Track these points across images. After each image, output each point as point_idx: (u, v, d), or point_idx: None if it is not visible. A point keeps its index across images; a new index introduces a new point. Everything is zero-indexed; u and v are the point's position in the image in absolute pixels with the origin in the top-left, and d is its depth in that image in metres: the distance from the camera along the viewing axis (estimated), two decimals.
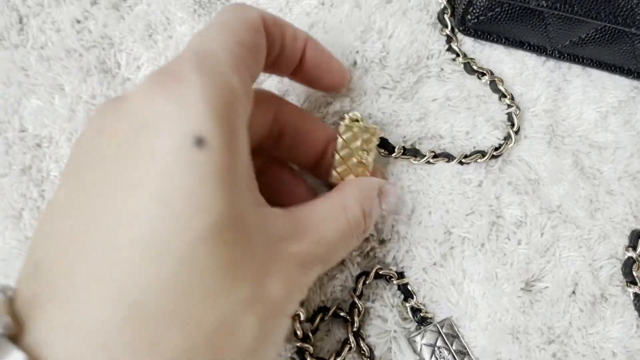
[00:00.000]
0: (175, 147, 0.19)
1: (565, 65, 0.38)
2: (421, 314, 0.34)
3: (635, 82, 0.38)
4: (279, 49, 0.28)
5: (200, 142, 0.19)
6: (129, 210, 0.19)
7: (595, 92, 0.37)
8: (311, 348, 0.32)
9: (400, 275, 0.34)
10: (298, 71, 0.30)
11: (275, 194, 0.31)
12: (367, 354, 0.32)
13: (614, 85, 0.38)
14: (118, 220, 0.19)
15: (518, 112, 0.36)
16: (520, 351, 0.33)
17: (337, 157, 0.31)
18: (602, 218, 0.35)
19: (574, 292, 0.34)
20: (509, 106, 0.36)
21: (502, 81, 0.37)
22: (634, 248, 0.34)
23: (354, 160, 0.31)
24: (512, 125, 0.36)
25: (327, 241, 0.25)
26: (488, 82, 0.37)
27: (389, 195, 0.30)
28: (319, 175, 0.33)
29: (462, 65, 0.37)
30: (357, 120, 0.31)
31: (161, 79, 0.20)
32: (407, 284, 0.34)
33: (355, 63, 0.36)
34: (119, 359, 0.18)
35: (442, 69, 0.37)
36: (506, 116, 0.36)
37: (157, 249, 0.18)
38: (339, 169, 0.31)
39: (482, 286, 0.34)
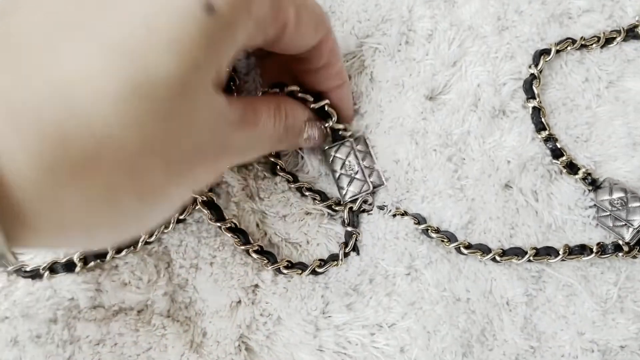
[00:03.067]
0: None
1: None
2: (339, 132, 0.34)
3: None
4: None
5: (210, 9, 0.20)
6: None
7: None
8: (283, 163, 0.34)
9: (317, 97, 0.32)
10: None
11: None
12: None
13: None
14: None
15: None
16: (416, 152, 0.34)
17: None
18: (509, 37, 0.36)
19: (475, 105, 0.35)
20: None
21: None
22: (537, 66, 0.36)
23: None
24: None
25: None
26: None
27: (313, 126, 0.32)
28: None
29: None
30: None
31: None
32: (323, 106, 0.32)
33: None
34: None
35: None
36: None
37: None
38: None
39: (389, 93, 0.35)
